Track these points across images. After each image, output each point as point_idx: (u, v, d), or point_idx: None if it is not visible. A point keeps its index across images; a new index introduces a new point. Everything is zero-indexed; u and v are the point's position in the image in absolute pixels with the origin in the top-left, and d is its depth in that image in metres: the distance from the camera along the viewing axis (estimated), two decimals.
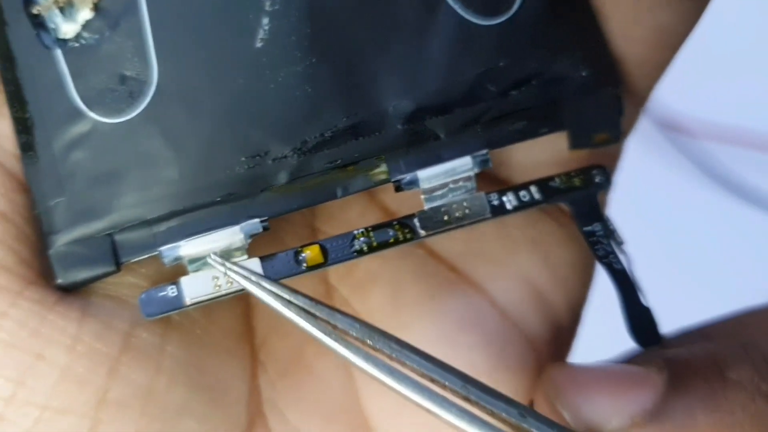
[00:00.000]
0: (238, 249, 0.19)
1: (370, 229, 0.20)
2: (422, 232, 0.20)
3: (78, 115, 0.19)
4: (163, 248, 0.19)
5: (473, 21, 0.20)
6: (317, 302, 0.18)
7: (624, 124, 0.21)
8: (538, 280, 0.21)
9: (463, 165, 0.20)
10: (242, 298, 0.21)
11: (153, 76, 0.19)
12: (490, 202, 0.20)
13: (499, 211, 0.20)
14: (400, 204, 0.22)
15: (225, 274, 0.19)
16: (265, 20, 0.19)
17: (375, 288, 0.22)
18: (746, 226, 0.53)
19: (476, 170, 0.20)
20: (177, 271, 0.19)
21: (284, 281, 0.19)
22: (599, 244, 0.20)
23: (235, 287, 0.19)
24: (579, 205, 0.21)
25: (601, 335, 0.27)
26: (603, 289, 0.22)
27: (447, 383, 0.18)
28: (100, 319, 0.19)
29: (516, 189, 0.20)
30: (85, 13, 0.19)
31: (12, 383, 0.18)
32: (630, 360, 0.20)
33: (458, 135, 0.20)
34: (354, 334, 0.18)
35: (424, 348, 0.21)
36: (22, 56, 0.19)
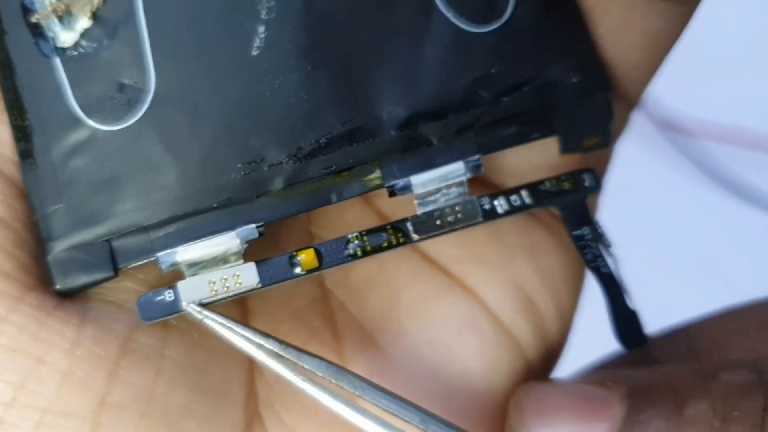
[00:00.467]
0: (234, 254, 0.19)
1: (363, 233, 0.20)
2: (415, 236, 0.20)
3: (76, 122, 0.19)
4: (160, 254, 0.19)
5: (466, 28, 0.20)
6: (287, 345, 0.19)
7: (614, 129, 0.21)
8: (530, 288, 0.22)
9: (456, 170, 0.20)
10: (239, 301, 0.21)
11: (150, 84, 0.19)
12: (481, 206, 0.20)
13: (491, 215, 0.20)
14: (396, 209, 0.22)
15: (202, 321, 0.19)
16: (261, 28, 0.19)
17: (371, 292, 0.22)
18: (746, 226, 0.53)
19: (468, 175, 0.20)
20: (175, 276, 0.19)
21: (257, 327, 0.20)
22: (588, 248, 0.21)
23: (231, 291, 0.19)
24: (569, 209, 0.21)
25: (592, 337, 0.27)
26: (594, 293, 0.22)
27: (407, 418, 0.19)
28: (99, 323, 0.19)
29: (507, 193, 0.20)
30: (84, 22, 0.19)
31: (13, 387, 0.18)
32: (597, 377, 0.20)
33: (451, 141, 0.20)
34: (321, 374, 0.19)
35: (421, 351, 0.21)
36: (21, 64, 0.19)
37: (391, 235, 0.20)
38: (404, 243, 0.20)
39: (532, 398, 0.20)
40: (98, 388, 0.18)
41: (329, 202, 0.20)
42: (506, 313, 0.21)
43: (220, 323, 0.19)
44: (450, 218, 0.20)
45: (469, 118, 0.20)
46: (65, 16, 0.19)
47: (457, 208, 0.20)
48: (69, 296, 0.19)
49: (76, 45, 0.19)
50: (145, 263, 0.19)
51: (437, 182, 0.20)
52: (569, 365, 0.23)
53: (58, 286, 0.19)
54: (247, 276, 0.19)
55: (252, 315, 0.22)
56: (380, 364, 0.21)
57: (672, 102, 0.54)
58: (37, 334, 0.18)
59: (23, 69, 0.19)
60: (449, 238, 0.20)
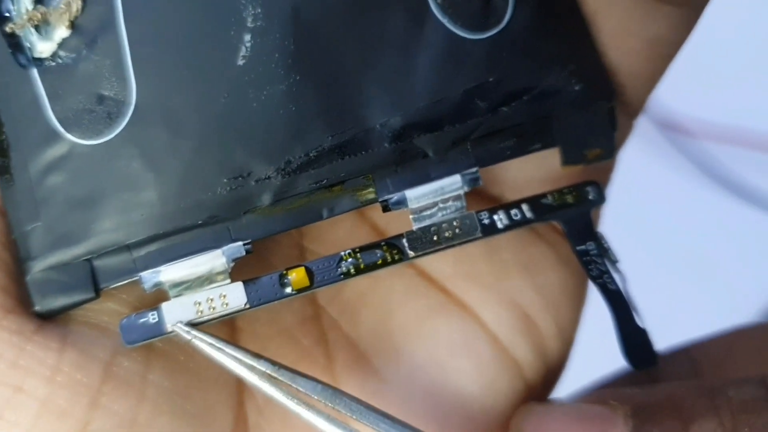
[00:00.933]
0: (220, 273, 0.18)
1: (357, 250, 0.19)
2: (411, 253, 0.19)
3: (55, 136, 0.18)
4: (143, 273, 0.18)
5: (462, 35, 0.19)
6: (280, 366, 0.18)
7: (617, 138, 0.20)
8: (529, 306, 0.21)
9: (453, 184, 0.19)
10: (226, 322, 0.20)
11: (131, 96, 0.18)
12: (480, 221, 0.19)
13: (490, 230, 0.19)
14: (391, 222, 0.21)
15: (190, 341, 0.18)
16: (247, 37, 0.18)
17: (364, 309, 0.21)
18: (746, 226, 0.53)
19: (466, 189, 0.19)
20: (159, 296, 0.18)
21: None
22: (593, 263, 0.20)
23: (218, 312, 0.18)
24: (572, 224, 0.20)
25: (596, 353, 0.26)
26: (597, 307, 0.21)
27: None
28: (80, 348, 0.18)
29: (507, 207, 0.19)
30: (62, 32, 0.18)
31: None
32: (600, 397, 0.19)
33: (447, 153, 0.19)
34: (316, 397, 0.18)
35: (416, 372, 0.20)
36: None
37: (386, 252, 0.19)
38: (399, 260, 0.19)
39: (533, 419, 0.19)
40: (79, 417, 0.17)
41: (320, 218, 0.19)
42: (504, 333, 0.20)
43: (210, 344, 0.18)
44: (447, 234, 0.19)
45: (466, 129, 0.19)
46: (42, 26, 0.18)
47: (454, 223, 0.19)
48: (49, 318, 0.18)
49: (54, 55, 0.18)
50: (128, 283, 0.18)
51: (433, 196, 0.19)
52: (570, 384, 0.22)
53: (36, 308, 0.18)
54: (234, 296, 0.18)
55: (240, 334, 0.21)
56: (373, 386, 0.20)
57: (672, 102, 0.53)
58: (15, 362, 0.17)
59: None
60: (445, 254, 0.19)
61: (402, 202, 0.19)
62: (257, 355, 0.18)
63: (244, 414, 0.20)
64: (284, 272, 0.19)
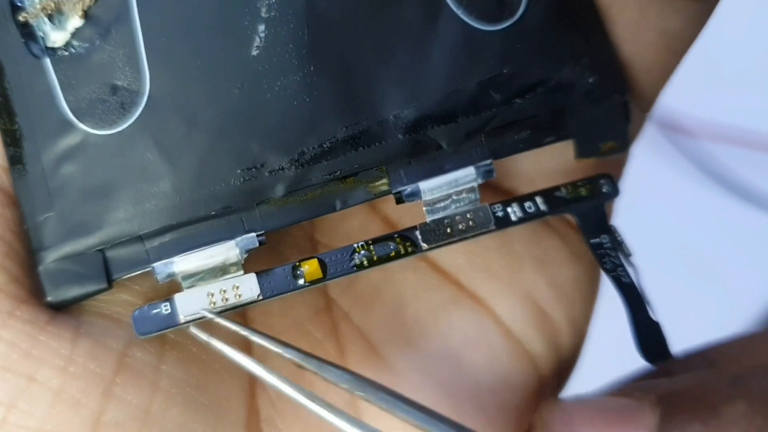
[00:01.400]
0: (233, 264, 0.18)
1: (370, 242, 0.19)
2: (424, 246, 0.19)
3: (68, 126, 0.18)
4: (156, 264, 0.18)
5: (476, 26, 0.19)
6: (308, 355, 0.18)
7: (630, 131, 0.20)
8: (542, 299, 0.20)
9: (466, 176, 0.18)
10: (239, 313, 0.20)
11: (145, 86, 0.18)
12: (494, 213, 0.19)
13: (504, 222, 0.19)
14: (403, 214, 0.21)
15: (207, 341, 0.18)
16: (261, 27, 0.18)
17: (377, 302, 0.20)
18: (746, 226, 0.52)
19: (480, 181, 0.18)
20: (172, 287, 0.18)
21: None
22: (607, 256, 0.19)
23: (230, 303, 0.18)
24: (586, 217, 0.19)
25: (609, 348, 0.26)
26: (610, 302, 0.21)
27: None
28: (93, 338, 0.18)
29: (521, 200, 0.19)
30: (75, 21, 0.18)
31: (3, 407, 0.17)
32: (624, 390, 0.19)
33: (461, 145, 0.19)
34: (344, 386, 0.17)
35: (429, 365, 0.20)
36: (10, 66, 0.18)
37: (399, 245, 0.19)
38: (413, 252, 0.19)
39: (560, 414, 0.19)
40: (93, 407, 0.17)
41: (333, 210, 0.18)
42: (518, 326, 0.20)
43: (235, 329, 0.18)
44: (461, 226, 0.19)
45: (480, 121, 0.19)
46: (56, 15, 0.18)
47: (468, 216, 0.19)
48: (62, 309, 0.18)
49: (67, 45, 0.18)
50: (141, 274, 0.18)
51: (447, 188, 0.18)
52: (584, 379, 0.22)
53: (49, 299, 0.18)
54: (247, 288, 0.18)
55: (252, 325, 0.20)
56: (386, 379, 0.20)
57: (672, 102, 0.53)
58: (28, 351, 0.17)
59: (12, 71, 0.18)
60: (458, 246, 0.19)
61: (415, 194, 0.18)
62: (285, 343, 0.18)
63: (256, 406, 0.19)
64: (297, 264, 0.18)
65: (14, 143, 0.18)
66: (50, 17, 0.18)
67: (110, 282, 0.18)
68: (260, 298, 0.18)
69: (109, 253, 0.18)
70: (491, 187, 0.20)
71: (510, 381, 0.20)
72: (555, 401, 0.19)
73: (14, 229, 0.18)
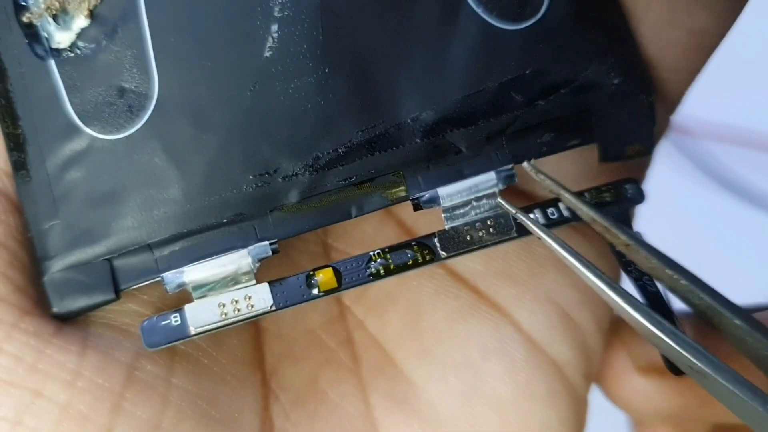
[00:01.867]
0: (245, 274, 0.17)
1: (387, 250, 0.18)
2: (443, 254, 0.18)
3: (73, 130, 0.17)
4: (165, 274, 0.17)
5: (497, 25, 0.18)
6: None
7: (655, 133, 0.19)
8: (566, 302, 0.19)
9: (487, 181, 0.18)
10: (251, 323, 0.19)
11: (153, 88, 0.17)
12: (515, 220, 0.18)
13: (526, 230, 0.18)
14: (418, 218, 0.20)
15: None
16: (274, 27, 0.17)
17: (392, 310, 0.20)
18: (746, 226, 0.52)
19: (501, 186, 0.18)
20: (183, 296, 0.17)
21: None
22: (632, 264, 0.18)
23: (243, 315, 0.17)
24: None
25: None
26: None
27: None
28: (101, 351, 0.17)
29: (543, 206, 0.18)
30: (81, 21, 0.17)
31: (9, 423, 0.16)
32: None
33: (481, 149, 0.18)
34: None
35: (446, 375, 0.19)
36: (14, 67, 0.17)
37: (417, 253, 0.18)
38: (431, 261, 0.18)
39: None
40: (101, 423, 0.16)
41: (349, 217, 0.17)
42: (540, 331, 0.19)
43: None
44: (481, 233, 0.18)
45: (501, 124, 0.18)
46: (60, 15, 0.17)
47: (488, 222, 0.18)
48: (68, 320, 0.17)
49: (73, 46, 0.17)
50: (150, 283, 0.17)
51: (466, 194, 0.18)
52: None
53: (54, 310, 0.17)
54: (259, 298, 0.17)
55: (265, 334, 0.19)
56: (402, 389, 0.19)
57: None
58: (34, 365, 0.16)
59: (15, 72, 0.17)
60: (477, 251, 0.18)
61: (434, 201, 0.18)
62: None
63: (270, 418, 0.18)
64: (311, 273, 0.17)
65: (18, 148, 0.17)
66: (55, 17, 0.17)
67: (118, 292, 0.17)
68: (273, 309, 0.17)
69: (117, 263, 0.17)
70: (511, 192, 0.19)
71: (532, 389, 0.19)
72: None
73: (18, 236, 0.17)
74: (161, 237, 0.17)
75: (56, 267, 0.17)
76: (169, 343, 0.17)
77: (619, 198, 0.18)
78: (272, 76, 0.17)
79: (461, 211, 0.18)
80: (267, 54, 0.17)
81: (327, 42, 0.17)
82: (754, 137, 0.53)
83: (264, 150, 0.17)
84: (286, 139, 0.17)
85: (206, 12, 0.17)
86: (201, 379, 0.18)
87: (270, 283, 0.17)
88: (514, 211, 0.17)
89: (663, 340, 0.15)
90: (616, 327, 0.20)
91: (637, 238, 0.17)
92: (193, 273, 0.17)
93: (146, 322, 0.17)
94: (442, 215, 0.18)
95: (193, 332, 0.17)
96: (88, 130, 0.17)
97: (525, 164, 0.17)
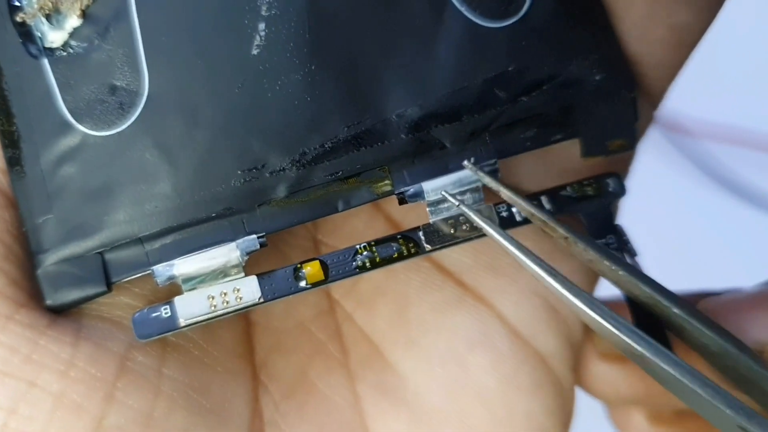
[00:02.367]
0: (234, 267, 0.17)
1: (373, 243, 0.18)
2: (427, 247, 0.18)
3: (66, 127, 0.17)
4: (156, 267, 0.17)
5: (481, 23, 0.18)
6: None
7: (639, 128, 0.19)
8: (551, 295, 0.19)
9: (471, 176, 0.18)
10: (241, 316, 0.19)
11: (144, 86, 0.17)
12: (498, 213, 0.18)
13: (509, 223, 0.18)
14: (407, 213, 0.20)
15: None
16: (262, 25, 0.17)
17: (380, 303, 0.20)
18: (746, 226, 0.52)
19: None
20: (173, 289, 0.17)
21: None
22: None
23: (232, 307, 0.17)
24: (592, 217, 0.19)
25: None
26: None
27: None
28: (93, 342, 0.17)
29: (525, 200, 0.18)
30: (73, 21, 0.17)
31: (4, 412, 0.16)
32: None
33: (466, 144, 0.18)
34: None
35: (433, 366, 0.19)
36: (8, 66, 0.17)
37: (402, 246, 0.18)
38: (416, 254, 0.18)
39: (723, 302, 0.18)
40: (94, 412, 0.16)
41: (336, 211, 0.18)
42: (525, 324, 0.19)
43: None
44: (465, 227, 0.18)
45: (485, 120, 0.18)
46: (53, 15, 0.17)
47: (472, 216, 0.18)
48: (61, 312, 0.17)
49: (66, 45, 0.17)
50: (141, 276, 0.17)
51: (451, 188, 0.18)
52: None
53: (48, 302, 0.17)
54: (248, 290, 0.17)
55: (255, 327, 0.20)
56: (389, 380, 0.19)
57: (672, 102, 0.52)
58: (29, 356, 0.16)
59: (10, 71, 0.17)
60: (462, 245, 0.18)
61: (419, 195, 0.18)
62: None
63: (260, 409, 0.19)
64: (299, 266, 0.18)
65: (12, 145, 0.17)
66: (48, 17, 0.17)
67: (109, 285, 0.17)
68: (261, 300, 0.17)
69: (109, 256, 0.17)
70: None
71: (517, 381, 0.19)
72: (712, 297, 0.19)
73: (13, 231, 0.17)
74: (152, 231, 0.17)
75: (50, 260, 0.17)
76: (160, 334, 0.17)
77: (601, 192, 0.19)
78: (260, 74, 0.17)
79: (445, 205, 0.18)
80: (255, 52, 0.17)
81: (314, 40, 0.17)
82: (754, 137, 0.53)
83: (252, 146, 0.17)
84: (273, 135, 0.17)
85: (195, 11, 0.17)
86: (192, 370, 0.18)
87: (258, 275, 0.17)
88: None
89: (602, 325, 0.15)
90: None
91: (574, 232, 0.17)
92: (183, 266, 0.17)
93: (137, 314, 0.17)
94: (427, 209, 0.18)
95: (183, 324, 0.17)
96: (80, 127, 0.17)
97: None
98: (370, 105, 0.17)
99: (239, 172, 0.17)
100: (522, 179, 0.20)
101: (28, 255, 0.17)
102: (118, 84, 0.17)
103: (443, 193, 0.18)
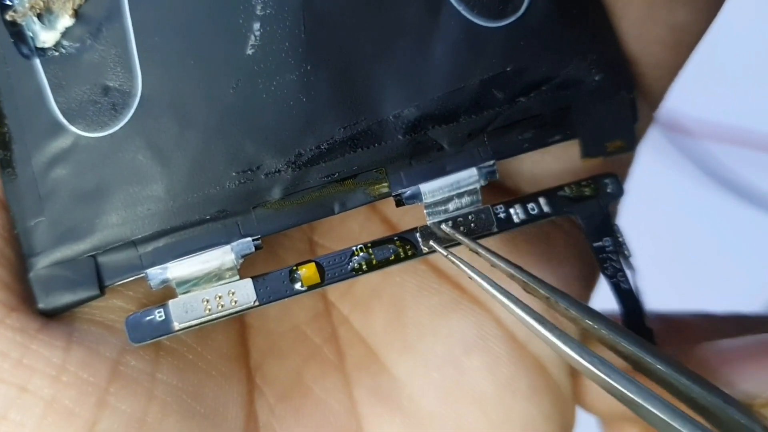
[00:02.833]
0: (229, 269, 0.17)
1: (369, 245, 0.18)
2: (424, 249, 0.18)
3: (58, 129, 0.17)
4: (149, 270, 0.17)
5: (478, 23, 0.18)
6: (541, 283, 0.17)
7: (638, 129, 0.19)
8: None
9: (469, 177, 0.17)
10: (236, 319, 0.19)
11: (137, 87, 0.17)
12: (496, 215, 0.18)
13: (507, 225, 0.18)
14: (404, 215, 0.20)
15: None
16: (257, 25, 0.17)
17: (376, 306, 0.20)
18: (746, 226, 0.52)
19: (482, 182, 0.18)
20: (167, 292, 0.17)
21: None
22: (608, 261, 0.18)
23: (227, 310, 0.17)
24: (589, 218, 0.18)
25: None
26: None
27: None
28: (86, 346, 0.17)
29: (523, 201, 0.18)
30: (65, 20, 0.17)
31: None
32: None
33: (463, 145, 0.18)
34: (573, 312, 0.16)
35: (429, 370, 0.19)
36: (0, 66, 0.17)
37: (399, 248, 0.18)
38: (413, 256, 0.18)
39: (715, 352, 0.18)
40: (86, 417, 0.16)
41: (332, 213, 0.17)
42: (521, 328, 0.19)
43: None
44: (462, 229, 0.18)
45: (483, 121, 0.18)
46: (45, 14, 0.17)
47: (470, 218, 0.18)
48: (53, 316, 0.17)
49: (57, 45, 0.17)
50: (134, 279, 0.17)
51: (448, 190, 0.18)
52: None
53: (40, 306, 0.17)
54: (243, 293, 0.17)
55: (250, 330, 0.19)
56: (385, 384, 0.19)
57: (673, 102, 0.52)
58: (20, 360, 0.16)
59: (1, 71, 0.17)
60: (459, 246, 0.18)
61: (416, 197, 0.17)
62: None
63: (255, 413, 0.18)
64: (294, 268, 0.17)
65: (3, 146, 0.17)
66: (39, 16, 0.17)
67: (102, 288, 0.17)
68: (257, 304, 0.17)
69: (101, 259, 0.17)
70: (493, 187, 0.19)
71: (514, 385, 0.19)
72: (706, 345, 0.18)
73: (4, 234, 0.17)
74: (145, 233, 0.17)
75: (42, 263, 0.17)
76: (153, 338, 0.17)
77: (599, 192, 0.18)
78: (255, 74, 0.17)
79: (443, 207, 0.18)
80: (249, 52, 0.17)
81: (309, 40, 0.17)
82: (754, 137, 0.53)
83: (247, 147, 0.17)
84: (268, 136, 0.17)
85: (189, 10, 0.17)
86: (186, 374, 0.18)
87: (253, 278, 0.17)
88: (446, 254, 0.17)
89: (593, 372, 0.15)
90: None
91: (556, 290, 0.16)
92: (177, 269, 0.17)
93: (131, 318, 0.17)
94: (424, 211, 0.18)
95: (177, 327, 0.17)
96: (73, 128, 0.17)
97: (443, 226, 0.18)
98: (366, 106, 0.17)
99: (234, 173, 0.17)
100: (520, 179, 0.19)
101: (20, 258, 0.17)
102: (111, 84, 0.17)
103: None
